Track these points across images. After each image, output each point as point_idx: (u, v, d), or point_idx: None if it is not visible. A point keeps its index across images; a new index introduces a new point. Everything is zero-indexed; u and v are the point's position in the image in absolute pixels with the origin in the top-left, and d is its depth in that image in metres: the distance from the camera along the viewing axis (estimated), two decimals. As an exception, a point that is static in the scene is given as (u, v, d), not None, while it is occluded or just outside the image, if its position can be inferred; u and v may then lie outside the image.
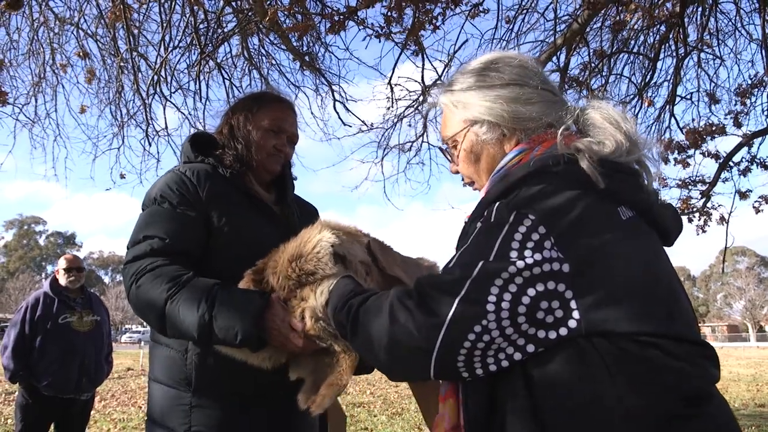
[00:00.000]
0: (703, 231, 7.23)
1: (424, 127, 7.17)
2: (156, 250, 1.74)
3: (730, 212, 6.96)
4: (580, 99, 5.87)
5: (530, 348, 1.03)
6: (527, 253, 1.04)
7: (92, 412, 5.78)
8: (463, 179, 1.44)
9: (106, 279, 75.60)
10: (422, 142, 7.38)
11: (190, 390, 1.77)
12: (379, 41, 4.87)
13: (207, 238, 1.83)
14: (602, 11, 4.63)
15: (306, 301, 1.49)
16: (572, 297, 1.03)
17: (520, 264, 1.03)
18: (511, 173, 1.19)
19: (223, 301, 1.57)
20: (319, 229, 1.56)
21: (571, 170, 1.13)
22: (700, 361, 1.08)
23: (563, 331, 1.02)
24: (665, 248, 1.25)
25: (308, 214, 2.22)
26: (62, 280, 4.98)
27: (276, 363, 1.64)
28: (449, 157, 1.45)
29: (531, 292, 1.02)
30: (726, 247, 6.89)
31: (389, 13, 4.51)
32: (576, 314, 1.02)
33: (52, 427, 4.80)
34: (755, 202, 7.29)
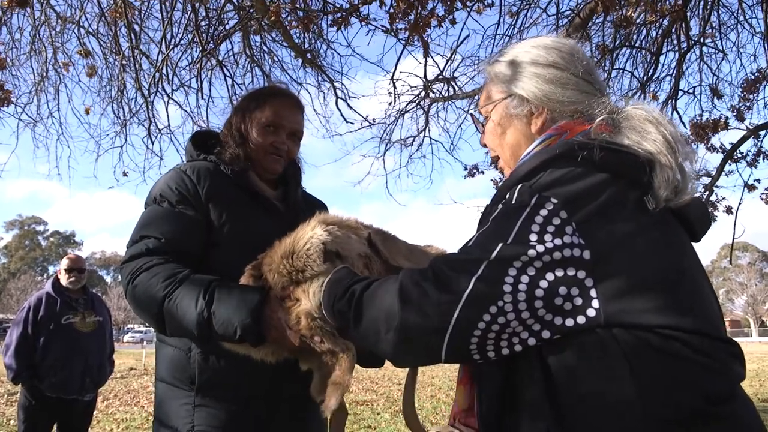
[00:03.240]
0: (714, 220, 7.20)
1: (426, 121, 7.15)
2: (152, 249, 1.73)
3: (739, 203, 6.93)
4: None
5: (545, 334, 1.02)
6: (547, 237, 1.02)
7: (95, 413, 5.77)
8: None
9: (108, 279, 75.62)
10: (424, 136, 7.37)
11: (193, 389, 1.76)
12: (383, 33, 4.85)
13: (208, 236, 1.82)
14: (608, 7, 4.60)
15: (300, 302, 1.47)
16: (592, 285, 1.01)
17: (540, 248, 1.01)
18: (535, 156, 1.17)
19: (221, 297, 1.57)
20: (312, 225, 1.55)
21: (599, 156, 1.11)
22: (726, 357, 1.05)
23: (581, 319, 1.00)
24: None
25: (316, 209, 2.17)
26: (63, 280, 4.96)
27: (279, 357, 1.63)
28: (480, 128, 1.46)
29: (549, 276, 1.01)
30: (734, 239, 6.83)
31: (393, 11, 4.49)
32: (595, 303, 1.00)
33: (54, 427, 4.78)
34: (762, 194, 7.26)
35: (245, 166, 1.95)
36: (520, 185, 1.11)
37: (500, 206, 1.12)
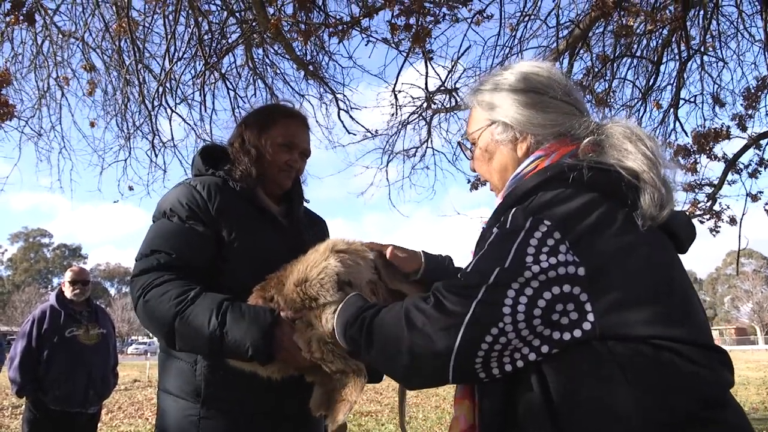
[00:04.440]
0: (717, 232, 7.16)
1: (429, 132, 7.17)
2: (163, 264, 1.76)
3: (743, 214, 6.91)
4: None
5: (545, 349, 1.05)
6: (542, 257, 1.05)
7: (99, 425, 5.76)
8: (479, 178, 1.49)
9: (112, 291, 75.68)
10: (426, 147, 7.38)
11: (199, 401, 1.78)
12: (385, 45, 4.88)
13: (217, 251, 1.84)
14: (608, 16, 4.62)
15: (312, 328, 1.53)
16: (587, 300, 1.05)
17: (536, 268, 1.05)
18: (527, 179, 1.21)
19: (234, 316, 1.60)
20: (326, 255, 1.60)
21: (588, 176, 1.14)
22: (716, 365, 1.08)
23: (577, 333, 1.04)
24: (679, 255, 1.26)
25: (316, 226, 2.25)
26: (67, 292, 4.98)
27: (285, 374, 1.66)
28: (468, 154, 1.51)
29: (547, 295, 1.04)
30: (739, 249, 6.82)
31: (395, 21, 4.52)
32: (591, 317, 1.04)
33: (59, 440, 4.77)
34: (766, 203, 7.23)
35: (254, 182, 1.99)
36: (514, 209, 1.15)
37: (495, 230, 1.16)
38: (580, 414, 1.02)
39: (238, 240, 1.85)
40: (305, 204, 2.24)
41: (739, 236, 6.71)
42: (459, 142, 1.56)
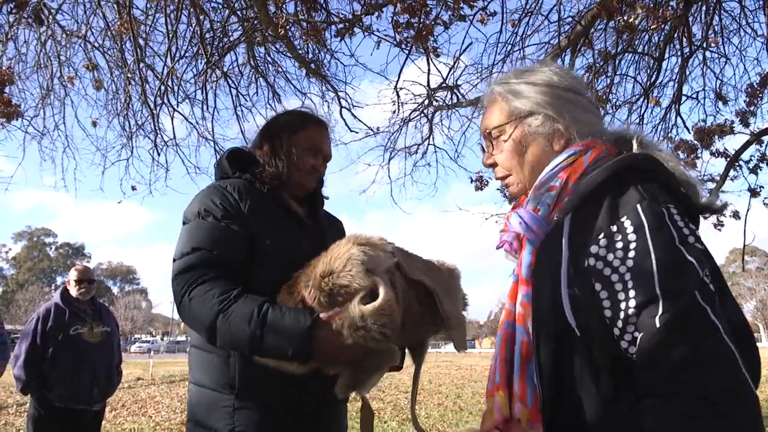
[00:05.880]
0: (722, 225, 7.11)
1: (430, 129, 7.17)
2: (206, 261, 1.80)
3: (747, 210, 6.89)
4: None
5: None
6: (696, 235, 1.10)
7: (103, 423, 5.79)
8: (494, 173, 1.47)
9: (115, 289, 75.89)
10: (428, 144, 7.38)
11: (233, 393, 1.83)
12: (387, 42, 4.88)
13: (250, 251, 1.88)
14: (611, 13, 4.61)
15: (344, 313, 1.59)
16: None
17: (700, 246, 1.09)
18: (607, 166, 1.19)
19: (274, 319, 1.65)
20: (348, 246, 1.67)
21: (659, 170, 1.19)
22: (753, 356, 1.12)
23: None
24: None
25: (335, 226, 2.33)
26: (73, 291, 4.99)
27: (308, 370, 1.71)
28: (488, 147, 1.46)
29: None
30: (744, 245, 6.79)
31: (398, 18, 4.51)
32: None
33: (64, 437, 4.79)
34: (765, 198, 7.20)
35: (282, 185, 2.05)
36: (638, 204, 1.11)
37: (630, 235, 1.09)
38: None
39: (269, 239, 1.91)
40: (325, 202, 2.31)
41: (744, 232, 6.68)
42: (486, 133, 1.45)
